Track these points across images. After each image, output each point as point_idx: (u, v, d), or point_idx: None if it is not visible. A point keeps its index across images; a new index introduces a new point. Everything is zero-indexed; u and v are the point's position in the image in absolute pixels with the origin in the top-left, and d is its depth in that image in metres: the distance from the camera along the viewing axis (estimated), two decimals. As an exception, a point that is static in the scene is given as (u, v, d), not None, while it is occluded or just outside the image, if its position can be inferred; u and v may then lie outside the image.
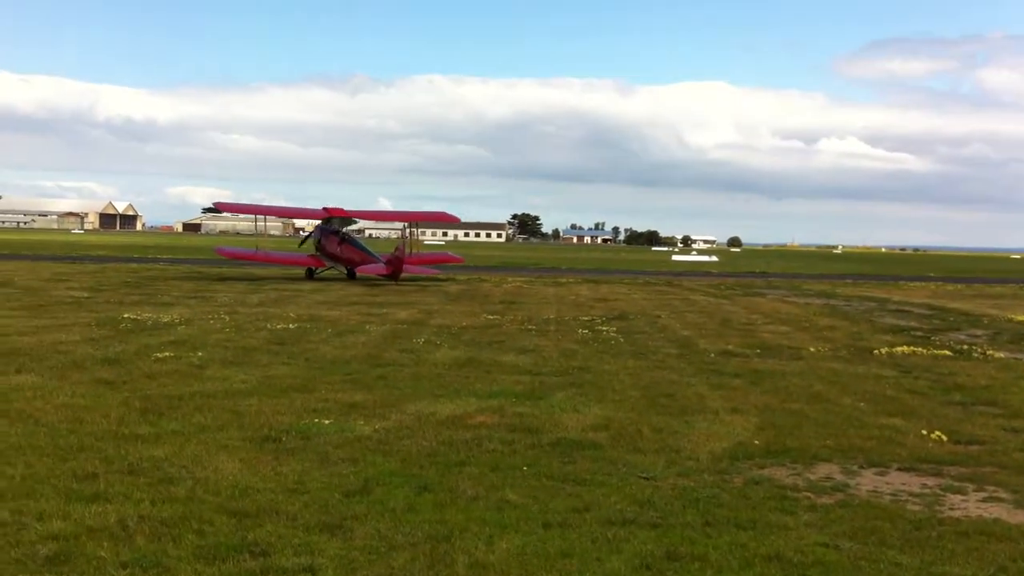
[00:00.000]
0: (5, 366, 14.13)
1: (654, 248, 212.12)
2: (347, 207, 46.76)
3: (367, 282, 38.91)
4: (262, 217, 48.16)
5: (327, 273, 41.62)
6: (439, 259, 50.28)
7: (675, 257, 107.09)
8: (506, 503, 8.00)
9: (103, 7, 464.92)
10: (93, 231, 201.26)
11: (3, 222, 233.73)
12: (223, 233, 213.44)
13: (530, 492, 8.33)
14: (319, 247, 42.00)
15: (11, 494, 7.79)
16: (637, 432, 10.82)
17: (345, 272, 41.41)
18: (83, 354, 15.59)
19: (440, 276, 43.97)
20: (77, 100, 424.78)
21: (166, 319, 21.47)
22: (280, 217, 51.03)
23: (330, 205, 43.51)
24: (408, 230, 45.79)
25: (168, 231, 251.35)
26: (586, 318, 24.98)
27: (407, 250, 40.48)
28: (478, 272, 51.07)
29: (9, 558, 6.45)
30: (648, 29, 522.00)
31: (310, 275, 40.86)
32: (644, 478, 8.89)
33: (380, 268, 39.63)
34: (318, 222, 43.86)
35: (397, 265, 38.54)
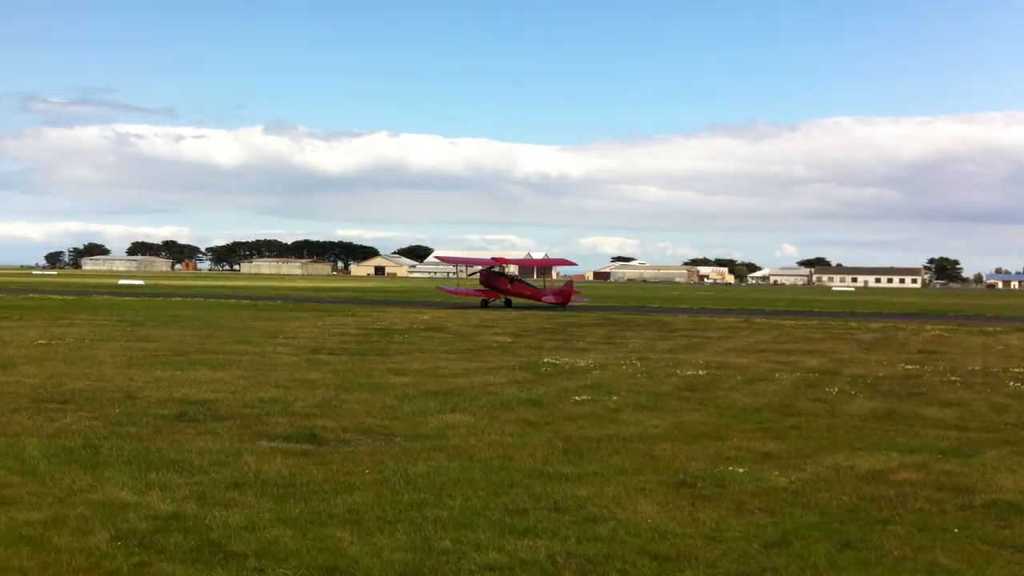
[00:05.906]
0: (442, 405, 15.45)
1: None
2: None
3: (775, 330, 38.53)
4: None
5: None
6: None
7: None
8: (937, 566, 7.56)
9: (519, 77, 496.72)
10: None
11: (435, 272, 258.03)
12: (631, 281, 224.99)
13: (964, 556, 7.81)
14: (489, 285, 55.02)
15: (452, 524, 8.49)
16: (1087, 498, 9.80)
17: (503, 302, 54.03)
18: (509, 395, 16.71)
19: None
20: (498, 159, 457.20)
21: (582, 364, 22.46)
22: (471, 266, 66.14)
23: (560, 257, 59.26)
24: (553, 272, 61.30)
25: (580, 279, 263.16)
26: (1018, 370, 22.97)
27: (543, 285, 56.77)
28: (892, 320, 48.62)
29: (451, 584, 7.02)
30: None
31: (484, 304, 53.16)
32: (1098, 550, 8.03)
33: (551, 299, 52.74)
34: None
35: (567, 296, 52.34)
